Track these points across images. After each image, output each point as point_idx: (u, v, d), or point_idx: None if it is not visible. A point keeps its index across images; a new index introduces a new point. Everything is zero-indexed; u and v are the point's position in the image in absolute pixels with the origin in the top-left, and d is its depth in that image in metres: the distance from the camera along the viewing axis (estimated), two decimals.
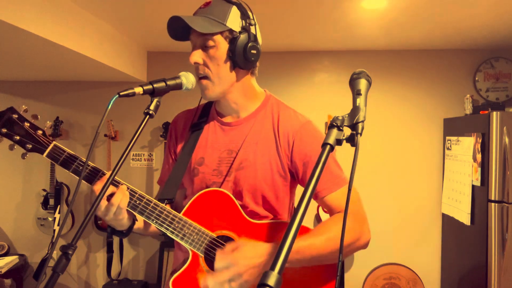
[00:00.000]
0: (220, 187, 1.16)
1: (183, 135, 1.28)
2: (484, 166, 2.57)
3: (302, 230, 1.13)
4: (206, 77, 1.13)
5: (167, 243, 3.11)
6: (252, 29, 1.13)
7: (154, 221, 1.09)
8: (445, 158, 3.18)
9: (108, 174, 1.06)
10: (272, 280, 0.56)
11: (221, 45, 1.10)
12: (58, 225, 3.22)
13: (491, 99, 3.22)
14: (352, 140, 0.77)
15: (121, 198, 1.04)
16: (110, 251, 3.34)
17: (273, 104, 1.23)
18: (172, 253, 3.09)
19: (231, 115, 1.23)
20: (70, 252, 0.82)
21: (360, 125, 0.78)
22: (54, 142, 1.09)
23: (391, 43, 3.15)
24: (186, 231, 1.09)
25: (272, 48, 3.28)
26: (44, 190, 3.34)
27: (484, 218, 2.56)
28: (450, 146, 3.09)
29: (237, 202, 1.13)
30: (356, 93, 0.83)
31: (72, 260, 3.48)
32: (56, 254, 3.31)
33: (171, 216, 1.09)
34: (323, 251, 1.04)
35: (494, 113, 2.51)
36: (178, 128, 1.30)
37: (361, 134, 0.77)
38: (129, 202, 1.08)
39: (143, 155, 3.47)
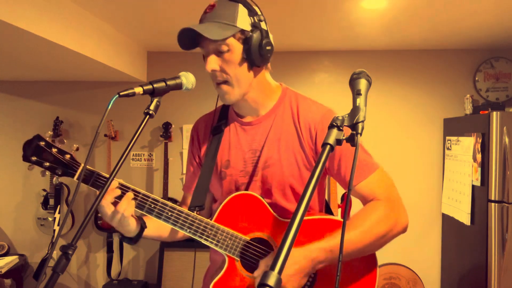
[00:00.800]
0: (248, 188, 1.17)
1: (205, 139, 1.28)
2: (484, 166, 2.57)
3: (335, 224, 1.13)
4: (225, 82, 1.11)
5: (167, 243, 3.11)
6: (263, 24, 1.11)
7: (188, 231, 1.10)
8: (445, 158, 3.18)
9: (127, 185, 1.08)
10: (272, 280, 0.56)
11: (235, 47, 1.08)
12: (58, 225, 3.22)
13: (491, 99, 3.22)
14: (352, 140, 0.77)
15: (125, 207, 1.05)
16: (110, 251, 3.34)
17: (291, 97, 1.21)
18: (172, 253, 3.08)
19: (250, 114, 1.22)
20: (70, 252, 0.82)
21: (360, 125, 0.78)
22: (82, 165, 1.09)
23: (391, 43, 3.15)
24: (219, 237, 1.10)
25: None
26: (44, 190, 3.34)
27: (484, 218, 2.56)
28: (450, 146, 3.09)
29: (265, 203, 1.13)
30: (356, 93, 0.83)
31: (72, 260, 3.48)
32: (56, 254, 3.31)
33: (203, 224, 1.10)
34: (359, 245, 1.03)
35: (494, 113, 2.51)
36: (200, 133, 1.30)
37: (361, 134, 0.77)
38: (161, 213, 1.09)
39: (143, 155, 3.47)
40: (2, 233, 3.50)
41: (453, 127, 3.12)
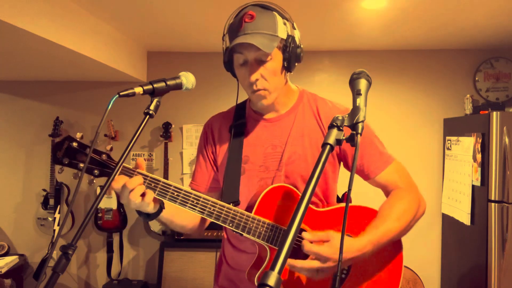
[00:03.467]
0: (272, 182, 1.20)
1: (223, 137, 1.30)
2: (484, 166, 2.57)
3: (371, 213, 1.18)
4: (264, 89, 1.16)
5: (167, 243, 3.11)
6: (296, 32, 1.18)
7: (230, 225, 1.11)
8: (445, 158, 3.18)
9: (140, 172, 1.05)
10: (272, 280, 0.56)
11: (277, 56, 1.14)
12: (58, 225, 3.22)
13: (491, 99, 3.22)
14: (352, 140, 0.77)
15: (146, 194, 1.02)
16: (110, 251, 3.34)
17: (308, 97, 1.30)
18: (172, 253, 3.08)
19: (270, 112, 1.26)
20: (70, 252, 0.82)
21: (360, 125, 0.78)
22: (123, 164, 1.04)
23: (391, 43, 3.15)
24: (261, 230, 1.12)
25: None
26: (44, 190, 3.33)
27: (484, 218, 2.56)
28: (450, 146, 3.09)
29: (300, 194, 1.16)
30: (356, 93, 0.83)
31: (72, 260, 3.48)
32: (56, 254, 3.31)
33: (244, 217, 1.12)
34: (396, 231, 1.11)
35: (494, 113, 2.51)
36: (215, 131, 1.32)
37: (361, 134, 0.77)
38: (204, 209, 1.09)
39: (143, 155, 3.47)
40: (2, 233, 3.50)
41: (453, 127, 3.12)
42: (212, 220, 1.11)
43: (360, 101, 0.82)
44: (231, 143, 1.26)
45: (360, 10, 2.33)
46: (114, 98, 0.91)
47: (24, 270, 3.43)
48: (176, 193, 1.07)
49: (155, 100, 1.00)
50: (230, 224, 1.11)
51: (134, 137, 0.93)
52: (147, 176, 1.06)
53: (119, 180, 1.00)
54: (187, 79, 1.09)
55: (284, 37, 1.14)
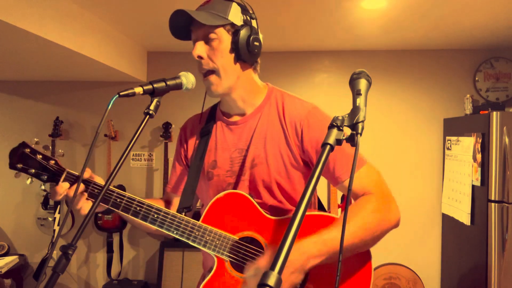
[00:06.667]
0: (236, 187, 1.16)
1: (193, 140, 1.28)
2: (484, 166, 2.57)
3: (327, 220, 1.10)
4: (212, 72, 1.12)
5: (167, 243, 3.11)
6: (254, 22, 1.15)
7: (174, 232, 1.09)
8: (445, 158, 3.18)
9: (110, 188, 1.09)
10: (272, 280, 0.56)
11: (224, 37, 1.10)
12: (58, 225, 3.22)
13: (491, 99, 3.22)
14: (352, 140, 0.77)
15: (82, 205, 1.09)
16: (110, 251, 3.34)
17: (276, 95, 1.22)
18: (172, 253, 3.08)
19: (236, 114, 1.22)
20: (70, 252, 0.82)
21: (360, 125, 0.78)
22: (67, 170, 1.10)
23: (391, 43, 3.15)
24: (207, 238, 1.08)
25: (272, 48, 3.28)
26: (44, 190, 3.32)
27: (484, 218, 2.56)
28: (450, 146, 3.09)
29: (254, 201, 1.12)
30: (356, 93, 0.83)
31: (72, 260, 3.48)
32: (56, 254, 3.31)
33: (190, 225, 1.09)
34: (354, 240, 0.99)
35: (494, 113, 2.51)
36: (188, 134, 1.30)
37: (361, 134, 0.77)
38: (147, 216, 1.09)
39: (143, 155, 3.47)
40: (2, 233, 3.50)
41: (453, 127, 3.12)
42: (156, 227, 1.09)
43: (360, 101, 0.81)
44: (197, 147, 1.23)
45: (360, 10, 2.33)
46: (114, 98, 0.91)
47: (24, 270, 3.43)
48: (119, 200, 1.09)
49: (155, 100, 1.00)
50: (174, 232, 1.09)
51: (134, 137, 0.93)
52: (90, 182, 1.10)
53: (60, 189, 1.06)
54: (187, 79, 1.10)
55: (238, 23, 1.11)
